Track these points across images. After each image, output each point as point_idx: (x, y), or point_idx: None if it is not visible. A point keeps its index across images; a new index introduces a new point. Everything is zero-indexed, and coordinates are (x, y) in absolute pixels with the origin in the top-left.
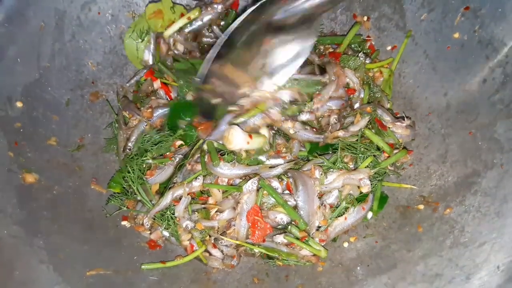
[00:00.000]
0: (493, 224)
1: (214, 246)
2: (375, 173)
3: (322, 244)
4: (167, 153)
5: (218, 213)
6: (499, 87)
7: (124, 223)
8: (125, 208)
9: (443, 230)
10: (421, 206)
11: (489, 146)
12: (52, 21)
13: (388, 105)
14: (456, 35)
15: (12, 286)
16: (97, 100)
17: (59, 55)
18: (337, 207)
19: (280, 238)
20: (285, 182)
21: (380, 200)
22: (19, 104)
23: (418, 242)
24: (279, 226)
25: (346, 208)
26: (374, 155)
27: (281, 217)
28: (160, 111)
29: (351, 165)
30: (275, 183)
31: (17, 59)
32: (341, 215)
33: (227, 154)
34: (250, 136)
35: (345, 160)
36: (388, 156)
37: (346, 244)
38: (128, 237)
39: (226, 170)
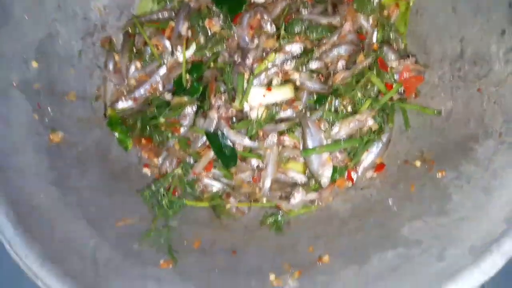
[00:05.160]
0: (477, 200)
1: (228, 196)
2: (379, 110)
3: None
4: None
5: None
6: None
7: (145, 170)
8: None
9: (432, 193)
10: (418, 163)
11: (494, 109)
12: None
13: (402, 45)
14: None
15: (54, 245)
16: (109, 45)
17: (64, 5)
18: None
19: (298, 197)
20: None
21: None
22: (34, 64)
23: (409, 202)
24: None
25: (366, 143)
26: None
27: (300, 178)
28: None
29: (349, 108)
30: (287, 140)
31: (24, 16)
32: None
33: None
34: (269, 89)
35: (344, 103)
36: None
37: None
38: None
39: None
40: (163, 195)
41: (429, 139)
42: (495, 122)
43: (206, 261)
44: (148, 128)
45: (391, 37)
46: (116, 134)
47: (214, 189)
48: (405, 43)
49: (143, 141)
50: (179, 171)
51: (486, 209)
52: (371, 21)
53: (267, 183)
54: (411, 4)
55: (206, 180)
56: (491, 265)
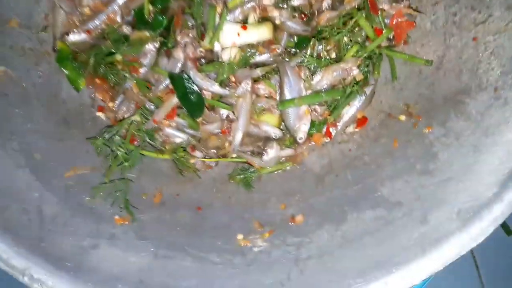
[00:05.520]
0: (465, 159)
1: (193, 149)
2: (366, 58)
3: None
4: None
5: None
6: None
7: (99, 114)
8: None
9: (417, 151)
10: (403, 117)
11: (490, 60)
12: None
13: None
14: None
15: None
16: None
17: None
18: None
19: (271, 153)
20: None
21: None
22: None
23: (391, 159)
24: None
25: (349, 95)
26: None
27: (274, 132)
28: None
29: (333, 54)
30: (262, 88)
31: None
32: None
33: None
34: (244, 27)
35: (328, 48)
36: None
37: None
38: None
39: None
40: (119, 145)
41: (416, 91)
42: (491, 74)
43: (167, 217)
44: (103, 66)
45: None
46: (66, 71)
47: (177, 141)
48: None
49: (97, 80)
50: (137, 118)
51: (476, 169)
52: None
53: (238, 137)
54: None
55: (168, 130)
56: (480, 231)
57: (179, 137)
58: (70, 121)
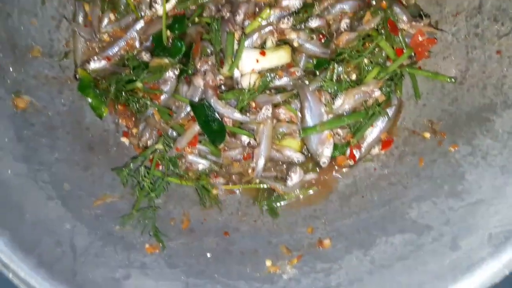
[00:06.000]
0: (494, 181)
1: (216, 176)
2: (388, 80)
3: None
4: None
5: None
6: None
7: (123, 140)
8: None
9: (444, 171)
10: (427, 134)
11: None
12: None
13: (412, 0)
14: None
15: (24, 229)
16: None
17: None
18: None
19: (295, 178)
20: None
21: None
22: None
23: (417, 179)
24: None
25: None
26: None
27: (297, 156)
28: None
29: (354, 76)
30: (283, 113)
31: None
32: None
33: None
34: (262, 53)
35: (348, 70)
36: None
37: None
38: (132, 155)
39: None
40: (144, 176)
41: (439, 107)
42: None
43: (196, 244)
44: (124, 93)
45: None
46: (89, 99)
47: (200, 167)
48: None
49: (119, 107)
50: (160, 146)
51: (506, 192)
52: None
53: (261, 163)
54: None
55: (191, 157)
56: None
57: (202, 164)
58: (95, 147)
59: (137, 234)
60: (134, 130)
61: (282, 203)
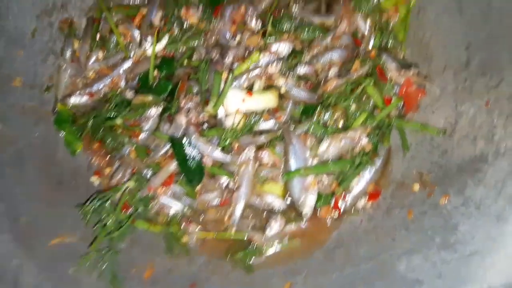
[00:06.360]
0: (489, 230)
1: (188, 222)
2: (375, 128)
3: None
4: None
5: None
6: None
7: (93, 179)
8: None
9: (434, 223)
10: (416, 187)
11: (506, 125)
12: None
13: (401, 54)
14: None
15: None
16: (69, 29)
17: None
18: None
19: (275, 227)
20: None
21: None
22: None
23: (406, 232)
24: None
25: (358, 166)
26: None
27: (279, 203)
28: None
29: (341, 123)
30: (266, 156)
31: None
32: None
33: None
34: (249, 93)
35: (335, 116)
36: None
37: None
38: None
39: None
40: (109, 213)
41: (428, 159)
42: (509, 140)
43: None
44: (101, 130)
45: (390, 44)
46: (63, 134)
47: (172, 212)
48: (404, 52)
49: (95, 144)
50: (131, 184)
51: (502, 241)
52: (369, 22)
53: (239, 208)
54: (411, 4)
55: (164, 200)
56: None
57: (174, 208)
58: (63, 184)
59: (92, 280)
60: (107, 170)
61: (259, 257)
